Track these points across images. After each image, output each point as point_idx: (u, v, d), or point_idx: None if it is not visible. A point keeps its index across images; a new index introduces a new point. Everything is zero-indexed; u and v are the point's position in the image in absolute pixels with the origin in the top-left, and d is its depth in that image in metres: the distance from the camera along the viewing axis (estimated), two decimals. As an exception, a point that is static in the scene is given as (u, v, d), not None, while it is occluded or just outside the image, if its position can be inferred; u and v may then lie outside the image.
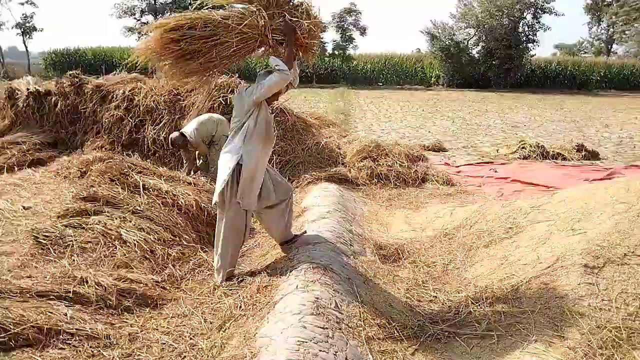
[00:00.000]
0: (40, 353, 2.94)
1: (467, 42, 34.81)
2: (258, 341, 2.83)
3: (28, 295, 3.35)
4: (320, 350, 2.64)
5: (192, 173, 6.39)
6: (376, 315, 3.33)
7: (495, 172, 8.12)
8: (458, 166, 8.61)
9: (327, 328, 2.90)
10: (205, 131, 6.43)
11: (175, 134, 6.44)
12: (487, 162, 8.92)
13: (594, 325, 3.05)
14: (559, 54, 56.08)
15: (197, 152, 6.67)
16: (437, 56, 34.94)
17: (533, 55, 35.22)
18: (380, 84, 36.49)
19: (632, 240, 3.60)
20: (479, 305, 3.60)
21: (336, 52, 37.07)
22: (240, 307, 3.42)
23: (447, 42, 34.09)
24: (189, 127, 6.45)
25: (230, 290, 3.79)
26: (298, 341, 2.66)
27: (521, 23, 33.41)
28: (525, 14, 33.21)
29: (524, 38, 33.64)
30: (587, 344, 2.95)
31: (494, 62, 33.41)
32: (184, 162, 6.73)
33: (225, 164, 3.76)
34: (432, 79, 36.62)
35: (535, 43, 34.02)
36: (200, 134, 6.38)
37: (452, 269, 4.33)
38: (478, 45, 34.85)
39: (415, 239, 5.08)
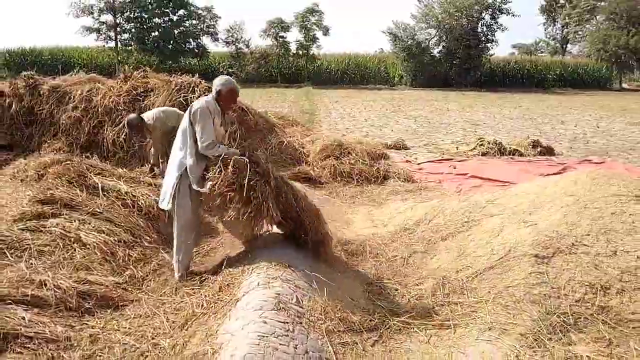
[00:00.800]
0: (-4, 358, 2.89)
1: (429, 42, 35.44)
2: (219, 338, 2.86)
3: (-17, 301, 3.28)
4: (280, 344, 2.69)
5: (158, 164, 6.18)
6: (337, 309, 3.41)
7: (455, 168, 8.35)
8: (419, 163, 8.81)
9: (287, 322, 2.95)
10: (166, 119, 6.16)
11: (132, 115, 6.18)
12: (447, 159, 9.15)
13: (543, 312, 3.20)
14: (516, 54, 57.75)
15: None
16: (400, 56, 35.44)
17: (492, 55, 36.21)
18: (343, 83, 36.76)
19: (579, 231, 3.80)
20: (437, 296, 3.73)
21: (300, 52, 37.11)
22: (203, 305, 3.44)
23: (408, 42, 34.61)
24: (151, 112, 6.26)
25: (193, 289, 3.80)
26: (258, 336, 2.71)
27: (480, 23, 34.28)
28: (483, 14, 34.09)
29: (483, 38, 34.52)
30: (538, 330, 3.09)
31: (454, 62, 34.17)
32: (150, 152, 6.49)
33: (171, 173, 4.02)
34: (396, 78, 37.12)
35: (493, 43, 35.01)
36: (161, 121, 6.11)
37: (412, 263, 4.45)
38: (439, 45, 35.54)
39: (378, 234, 5.19)
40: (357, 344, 3.12)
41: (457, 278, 3.90)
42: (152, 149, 6.35)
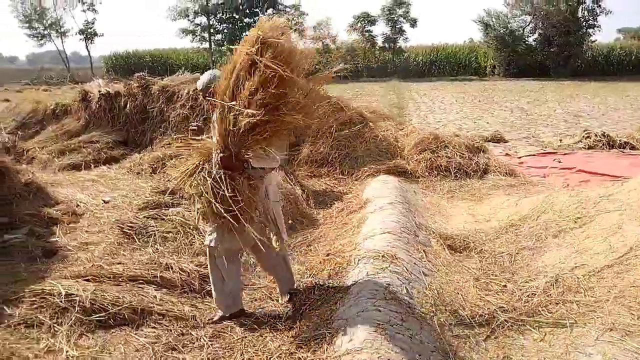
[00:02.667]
0: (135, 331, 3.21)
1: (523, 30, 33.65)
2: (335, 323, 2.98)
3: (120, 280, 3.66)
4: (396, 333, 2.75)
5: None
6: (447, 303, 3.41)
7: (560, 162, 7.92)
8: (520, 157, 8.46)
9: (400, 312, 3.00)
10: None
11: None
12: (550, 153, 8.70)
13: (673, 313, 3.00)
14: (622, 39, 53.16)
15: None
16: (492, 45, 33.96)
17: (594, 42, 33.61)
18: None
19: None
20: (550, 294, 3.60)
21: (386, 46, 36.79)
22: (314, 292, 3.59)
23: (501, 31, 33.10)
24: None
25: (303, 277, 3.97)
26: (375, 323, 2.78)
27: (580, 8, 31.95)
28: (584, -3, 31.77)
29: (584, 23, 32.16)
30: (667, 332, 2.91)
31: (552, 50, 32.13)
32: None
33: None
34: (487, 69, 35.66)
35: (595, 28, 32.47)
36: None
37: (520, 260, 4.32)
38: (534, 32, 33.63)
39: (481, 230, 5.08)
40: (469, 337, 3.11)
41: (572, 276, 3.74)
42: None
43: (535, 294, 3.67)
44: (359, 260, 3.79)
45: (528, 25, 33.55)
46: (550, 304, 3.52)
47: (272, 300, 3.72)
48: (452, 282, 3.85)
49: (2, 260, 4.31)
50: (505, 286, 3.91)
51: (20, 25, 40.42)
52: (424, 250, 4.22)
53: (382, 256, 3.71)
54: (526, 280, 3.93)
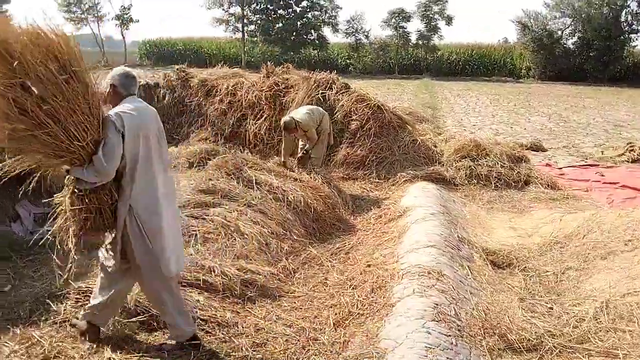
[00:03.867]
0: (178, 335, 3.20)
1: (562, 33, 32.79)
2: (382, 342, 2.92)
3: (164, 281, 3.66)
4: (447, 358, 2.68)
5: (288, 161, 6.46)
6: (494, 325, 3.32)
7: (602, 176, 7.68)
8: (560, 168, 8.23)
9: (450, 335, 2.94)
10: (313, 118, 6.51)
11: (287, 118, 6.46)
12: (592, 165, 8.45)
13: None
14: (665, 44, 51.32)
15: (299, 141, 6.67)
16: (528, 47, 33.18)
17: (636, 47, 32.58)
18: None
19: None
20: (601, 321, 3.48)
21: (420, 43, 36.31)
22: (357, 305, 3.54)
23: (539, 32, 32.31)
24: (299, 112, 6.52)
25: (343, 288, 3.92)
26: (425, 346, 2.72)
27: (624, 12, 30.94)
28: (629, 1, 30.72)
29: (627, 28, 31.14)
30: None
31: (590, 54, 31.19)
32: (282, 150, 6.76)
33: None
34: (522, 70, 34.90)
35: (639, 33, 31.41)
36: (311, 119, 6.46)
37: (566, 280, 4.19)
38: (574, 35, 32.71)
39: (523, 245, 4.95)
40: (518, 364, 3.02)
41: (624, 303, 3.61)
42: (284, 146, 6.62)
43: (584, 320, 3.54)
44: (403, 275, 3.73)
45: (567, 27, 32.67)
46: (600, 331, 3.40)
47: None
48: (498, 302, 3.75)
49: (45, 253, 4.38)
50: (551, 308, 3.80)
51: (59, 9, 41.36)
52: (468, 267, 4.13)
53: (429, 272, 3.63)
54: (574, 304, 3.81)
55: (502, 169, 6.93)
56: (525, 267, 4.46)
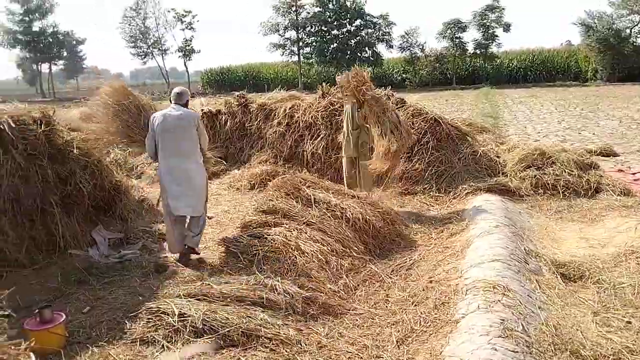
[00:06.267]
0: (244, 353, 3.29)
1: (631, 31, 31.08)
2: (446, 360, 2.87)
3: (228, 300, 3.78)
4: (515, 376, 2.59)
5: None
6: (565, 340, 3.17)
7: (683, 180, 7.16)
8: (634, 173, 7.75)
9: (517, 352, 2.83)
10: None
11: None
12: (671, 169, 7.89)
13: None
14: None
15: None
16: (594, 48, 31.70)
17: None
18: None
19: None
20: (687, 337, 3.23)
21: (478, 52, 35.60)
22: (420, 322, 3.49)
23: (605, 32, 30.78)
24: None
25: (405, 305, 3.88)
26: (491, 364, 2.64)
27: (701, 3, 28.98)
28: None
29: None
30: None
31: (664, 52, 29.42)
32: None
33: (201, 179, 4.91)
34: (589, 73, 33.30)
35: None
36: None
37: (646, 293, 3.92)
38: (644, 32, 31.00)
39: (595, 256, 4.69)
40: (594, 382, 2.86)
41: None
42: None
43: (668, 336, 3.31)
44: (467, 290, 3.64)
45: (637, 25, 30.94)
46: (687, 349, 3.16)
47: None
48: (569, 316, 3.58)
49: (121, 274, 4.65)
50: (629, 322, 3.57)
51: (126, 45, 44.39)
52: (536, 280, 3.97)
53: (494, 287, 3.53)
54: (655, 318, 3.56)
55: (570, 176, 6.62)
56: (599, 279, 4.21)
